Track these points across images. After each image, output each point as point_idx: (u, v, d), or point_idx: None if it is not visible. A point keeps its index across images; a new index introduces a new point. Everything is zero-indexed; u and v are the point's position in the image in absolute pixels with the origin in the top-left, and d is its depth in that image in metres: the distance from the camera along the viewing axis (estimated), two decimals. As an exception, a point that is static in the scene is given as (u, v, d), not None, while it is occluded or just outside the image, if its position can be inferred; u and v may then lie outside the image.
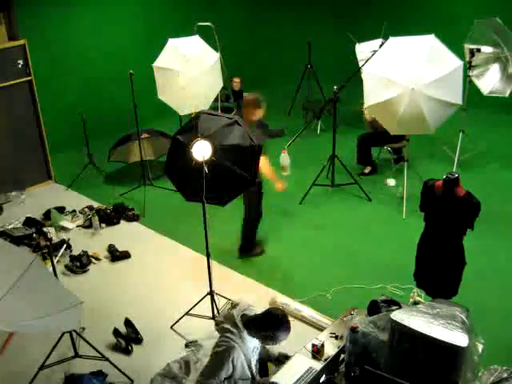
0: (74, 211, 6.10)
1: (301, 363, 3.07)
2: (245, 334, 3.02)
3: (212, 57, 6.58)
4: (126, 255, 5.34)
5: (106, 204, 6.19)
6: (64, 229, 5.75)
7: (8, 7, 6.25)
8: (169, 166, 4.33)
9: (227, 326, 3.03)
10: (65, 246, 5.32)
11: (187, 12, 8.25)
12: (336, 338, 3.24)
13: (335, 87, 5.91)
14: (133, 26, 8.04)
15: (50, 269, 3.89)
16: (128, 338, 4.13)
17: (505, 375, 3.31)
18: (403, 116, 5.26)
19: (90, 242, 5.61)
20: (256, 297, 4.68)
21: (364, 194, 6.19)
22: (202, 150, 3.82)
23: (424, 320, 2.65)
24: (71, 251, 5.35)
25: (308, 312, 4.36)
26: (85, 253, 5.25)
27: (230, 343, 2.96)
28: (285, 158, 6.05)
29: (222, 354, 2.95)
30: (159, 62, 6.33)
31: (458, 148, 6.56)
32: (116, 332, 4.15)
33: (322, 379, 2.85)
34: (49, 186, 6.85)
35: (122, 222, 5.97)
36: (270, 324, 2.99)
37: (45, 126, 6.68)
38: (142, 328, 4.28)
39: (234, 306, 3.19)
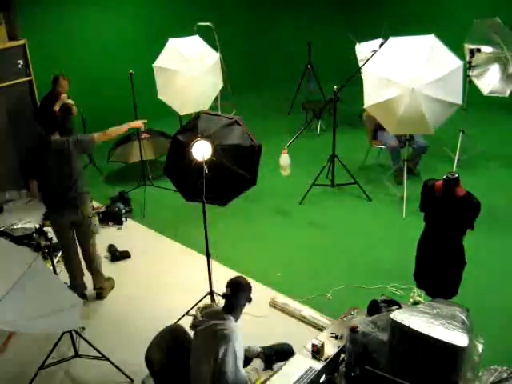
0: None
1: (301, 363, 3.07)
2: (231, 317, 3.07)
3: (212, 57, 6.59)
4: (126, 255, 5.35)
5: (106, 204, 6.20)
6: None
7: (8, 7, 6.25)
8: (169, 166, 4.34)
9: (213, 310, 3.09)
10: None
11: (187, 12, 8.25)
12: (336, 337, 3.24)
13: (335, 87, 5.90)
14: (133, 26, 8.04)
15: (51, 268, 3.90)
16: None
17: (505, 375, 3.30)
18: (403, 116, 5.26)
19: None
20: (256, 297, 4.67)
21: (364, 194, 6.20)
22: (202, 150, 3.82)
23: (424, 320, 2.65)
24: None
25: (308, 312, 4.36)
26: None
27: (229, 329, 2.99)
28: (284, 159, 6.06)
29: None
30: (159, 62, 6.33)
31: (458, 148, 6.56)
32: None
33: (321, 379, 2.85)
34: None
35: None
36: (233, 290, 3.14)
37: (45, 125, 6.69)
38: (142, 328, 4.28)
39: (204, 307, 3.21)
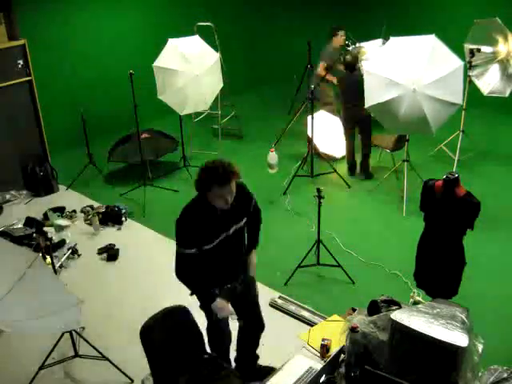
0: (74, 211, 6.10)
1: (301, 363, 3.07)
2: None
3: (212, 57, 6.59)
4: (114, 253, 5.35)
5: (106, 204, 6.19)
6: (63, 228, 5.74)
7: (8, 7, 6.26)
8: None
9: None
10: (70, 250, 5.32)
11: (187, 12, 8.25)
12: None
13: (312, 86, 6.01)
14: (133, 26, 8.04)
15: (51, 268, 3.90)
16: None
17: (505, 375, 3.30)
18: (404, 117, 5.26)
19: (90, 242, 5.61)
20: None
21: (344, 181, 6.37)
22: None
23: (424, 320, 2.65)
24: (79, 255, 5.37)
25: (308, 312, 4.36)
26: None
27: None
28: (272, 157, 6.12)
29: None
30: (159, 62, 6.33)
31: (458, 148, 6.56)
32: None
33: (321, 379, 2.85)
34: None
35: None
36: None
37: (45, 126, 6.69)
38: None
39: None
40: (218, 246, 3.13)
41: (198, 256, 3.09)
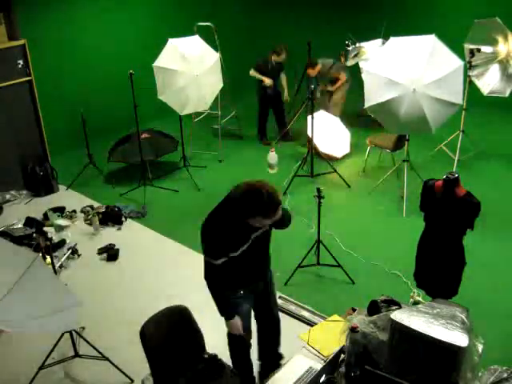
0: (74, 211, 6.10)
1: (301, 363, 3.07)
2: None
3: (212, 57, 6.60)
4: (114, 253, 5.34)
5: (106, 204, 6.19)
6: (62, 228, 5.74)
7: (8, 7, 6.26)
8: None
9: None
10: (70, 250, 5.32)
11: (187, 12, 8.25)
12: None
13: (312, 86, 6.01)
14: (133, 26, 8.04)
15: (50, 268, 3.90)
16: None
17: (505, 375, 3.31)
18: (404, 116, 5.26)
19: (90, 242, 5.61)
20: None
21: (344, 181, 6.34)
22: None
23: (424, 320, 2.65)
24: (79, 255, 5.37)
25: (308, 312, 4.36)
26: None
27: None
28: (272, 157, 6.13)
29: None
30: (159, 62, 6.33)
31: (458, 148, 6.56)
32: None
33: (321, 379, 2.85)
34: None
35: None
36: None
37: (45, 126, 6.69)
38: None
39: None
40: (245, 250, 3.04)
41: (225, 263, 3.03)
